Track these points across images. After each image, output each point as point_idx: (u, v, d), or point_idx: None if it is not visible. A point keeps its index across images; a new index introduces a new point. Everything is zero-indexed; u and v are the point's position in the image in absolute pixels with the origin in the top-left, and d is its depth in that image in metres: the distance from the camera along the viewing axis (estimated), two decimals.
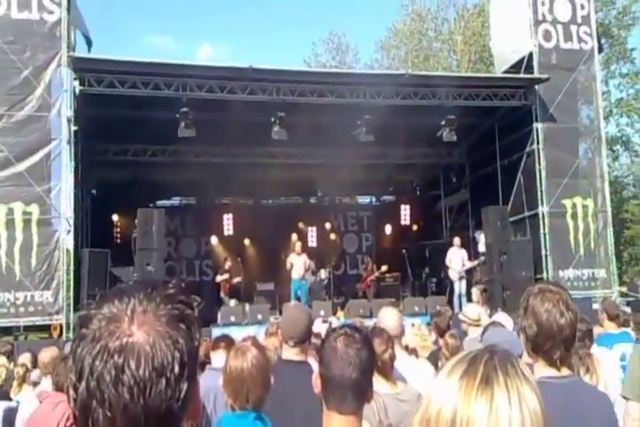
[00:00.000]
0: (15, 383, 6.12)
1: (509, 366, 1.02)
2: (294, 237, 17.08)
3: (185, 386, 0.92)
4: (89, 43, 14.70)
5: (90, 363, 0.90)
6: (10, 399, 5.22)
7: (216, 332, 10.03)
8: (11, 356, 7.21)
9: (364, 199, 22.97)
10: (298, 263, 15.42)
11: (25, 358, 6.79)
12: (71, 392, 0.92)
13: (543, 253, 14.94)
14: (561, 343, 2.24)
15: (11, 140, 12.43)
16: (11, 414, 4.87)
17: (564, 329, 2.24)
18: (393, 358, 3.31)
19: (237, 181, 17.08)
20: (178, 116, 13.36)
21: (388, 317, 4.29)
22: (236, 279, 16.06)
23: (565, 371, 2.29)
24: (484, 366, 1.01)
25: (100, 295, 0.99)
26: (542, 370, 2.27)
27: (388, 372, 3.28)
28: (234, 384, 2.57)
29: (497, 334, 4.27)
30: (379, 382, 3.41)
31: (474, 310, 5.83)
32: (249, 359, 2.59)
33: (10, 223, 12.31)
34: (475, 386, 0.98)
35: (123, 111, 13.91)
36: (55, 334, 12.23)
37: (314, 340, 4.05)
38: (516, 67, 15.76)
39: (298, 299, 14.42)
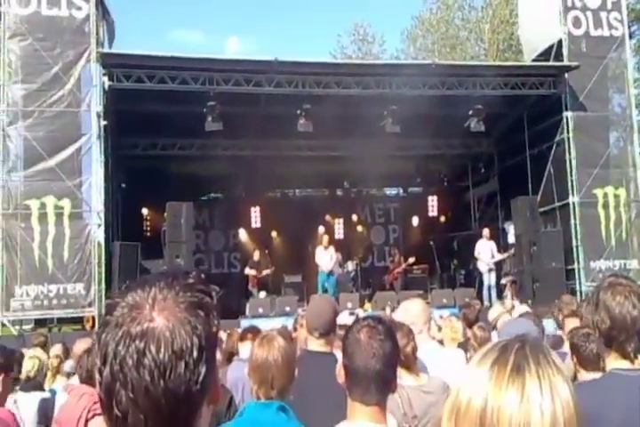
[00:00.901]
0: (49, 374, 6.26)
1: (541, 356, 1.00)
2: (321, 229, 17.11)
3: (203, 369, 0.97)
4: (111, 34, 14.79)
5: (113, 348, 0.95)
6: (43, 390, 5.33)
7: (244, 324, 10.11)
8: (44, 347, 7.35)
9: (391, 191, 22.91)
10: (325, 256, 15.45)
11: (57, 349, 6.93)
12: (96, 376, 0.98)
13: (574, 243, 14.78)
14: (635, 335, 2.23)
15: (42, 135, 12.64)
16: (46, 405, 4.98)
17: (637, 321, 2.23)
18: (415, 350, 3.32)
19: (264, 173, 17.17)
20: (205, 110, 13.48)
21: (414, 306, 4.26)
22: (266, 271, 16.12)
23: (639, 364, 2.27)
24: (515, 356, 1.00)
25: (125, 285, 1.04)
26: (615, 362, 2.27)
27: (412, 364, 3.29)
28: (259, 372, 2.60)
29: (515, 326, 4.23)
30: (402, 375, 3.43)
31: (492, 313, 5.75)
32: (275, 347, 2.62)
33: (42, 217, 12.53)
34: (505, 375, 0.97)
35: (151, 106, 14.05)
36: (88, 326, 12.45)
37: (340, 332, 4.07)
38: (545, 55, 15.54)
39: (325, 291, 14.46)
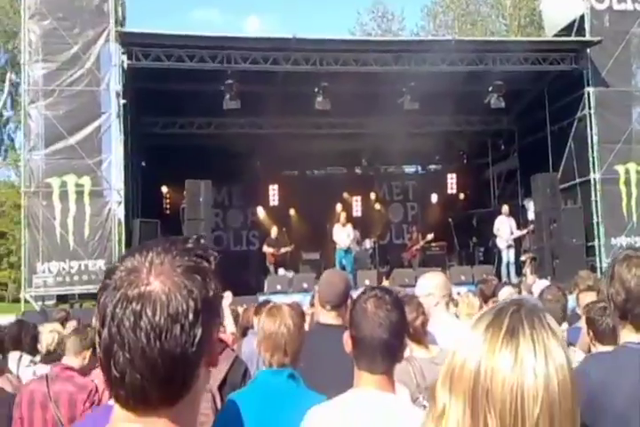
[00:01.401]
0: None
1: (536, 320, 1.00)
2: (339, 207, 17.11)
3: (199, 332, 0.99)
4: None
5: (111, 310, 0.98)
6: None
7: (262, 300, 10.21)
8: (65, 323, 7.50)
9: (409, 168, 22.75)
10: (342, 234, 15.48)
11: (72, 325, 7.05)
12: (96, 338, 1.01)
13: (595, 220, 14.68)
14: None
15: (62, 114, 12.76)
16: None
17: None
18: (425, 324, 3.34)
19: (282, 152, 17.14)
20: (223, 88, 13.47)
21: (434, 277, 4.27)
22: (285, 249, 16.17)
23: None
24: (510, 319, 1.00)
25: (125, 251, 1.07)
26: (629, 336, 2.26)
27: (422, 338, 3.32)
28: (271, 339, 2.65)
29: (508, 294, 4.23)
30: (413, 348, 3.47)
31: (502, 295, 5.73)
32: (285, 315, 2.67)
33: (63, 195, 12.70)
34: (499, 338, 0.98)
35: (169, 85, 14.09)
36: None
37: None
38: (566, 30, 15.28)
39: (343, 268, 14.48)
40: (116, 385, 0.98)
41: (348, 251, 15.56)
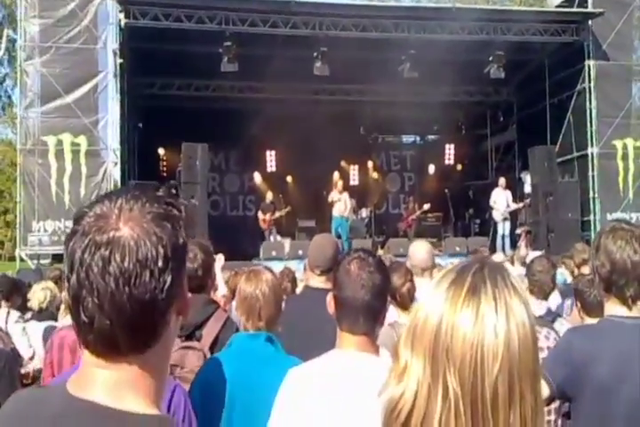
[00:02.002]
0: (62, 307, 6.43)
1: (499, 278, 1.00)
2: (336, 175, 17.08)
3: (169, 279, 0.99)
4: None
5: (80, 256, 0.97)
6: (55, 320, 5.50)
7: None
8: (59, 282, 7.53)
9: (407, 138, 22.67)
10: (339, 201, 15.48)
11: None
12: (65, 284, 1.01)
13: (591, 195, 14.71)
14: (635, 280, 2.20)
15: (58, 71, 12.63)
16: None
17: (637, 266, 2.20)
18: (412, 290, 3.37)
19: (280, 117, 17.01)
20: (221, 50, 13.31)
21: (418, 249, 4.34)
22: (279, 213, 16.13)
23: (638, 311, 2.24)
24: (472, 277, 0.99)
25: (95, 198, 1.07)
26: (613, 309, 2.25)
27: (407, 304, 3.36)
28: (246, 304, 2.64)
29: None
30: (399, 314, 3.51)
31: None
32: (262, 280, 2.64)
33: (59, 154, 12.65)
34: (461, 296, 0.97)
35: (167, 45, 13.94)
36: None
37: None
38: (569, 1, 15.07)
39: (338, 236, 14.51)
40: (84, 331, 0.98)
41: (344, 219, 15.57)
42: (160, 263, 0.98)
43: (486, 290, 0.98)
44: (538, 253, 8.03)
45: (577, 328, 2.71)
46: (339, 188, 15.76)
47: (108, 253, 0.96)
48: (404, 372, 1.00)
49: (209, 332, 3.08)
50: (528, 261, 6.34)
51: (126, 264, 0.96)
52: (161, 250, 0.98)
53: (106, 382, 0.99)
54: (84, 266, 0.96)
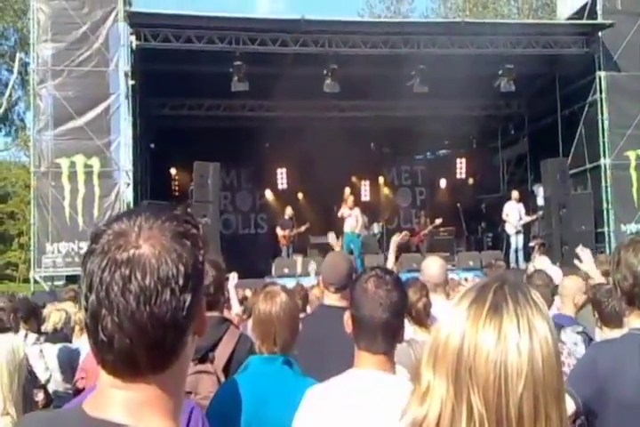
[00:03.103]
0: (77, 328, 6.43)
1: (520, 295, 0.99)
2: (347, 190, 17.08)
3: (189, 298, 0.97)
4: None
5: (99, 274, 0.95)
6: (69, 342, 5.50)
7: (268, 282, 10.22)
8: (74, 302, 7.54)
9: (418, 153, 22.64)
10: (350, 217, 15.44)
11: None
12: (82, 302, 0.99)
13: (605, 206, 14.60)
14: None
15: (71, 94, 12.77)
16: (71, 355, 5.14)
17: None
18: (427, 306, 3.33)
19: (290, 134, 17.08)
20: (231, 70, 13.41)
21: (431, 265, 4.30)
22: (304, 227, 16.13)
23: None
24: (494, 295, 0.98)
25: (111, 216, 1.05)
26: (635, 322, 2.23)
27: (423, 320, 3.32)
28: (262, 327, 2.58)
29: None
30: (415, 331, 3.47)
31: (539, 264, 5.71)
32: (277, 303, 2.56)
33: (72, 176, 12.75)
34: (483, 314, 0.96)
35: (178, 66, 14.04)
36: None
37: None
38: (578, 13, 15.13)
39: (350, 252, 14.46)
40: (103, 350, 0.96)
41: (356, 235, 15.51)
42: (181, 281, 0.97)
43: (508, 308, 0.97)
44: (547, 260, 7.97)
45: (601, 344, 2.68)
46: (349, 204, 15.71)
47: (129, 271, 0.94)
48: (426, 393, 0.99)
49: (222, 352, 3.04)
50: (546, 268, 6.29)
51: (147, 282, 0.94)
52: (182, 268, 0.97)
53: (124, 402, 0.97)
54: (103, 284, 0.95)
